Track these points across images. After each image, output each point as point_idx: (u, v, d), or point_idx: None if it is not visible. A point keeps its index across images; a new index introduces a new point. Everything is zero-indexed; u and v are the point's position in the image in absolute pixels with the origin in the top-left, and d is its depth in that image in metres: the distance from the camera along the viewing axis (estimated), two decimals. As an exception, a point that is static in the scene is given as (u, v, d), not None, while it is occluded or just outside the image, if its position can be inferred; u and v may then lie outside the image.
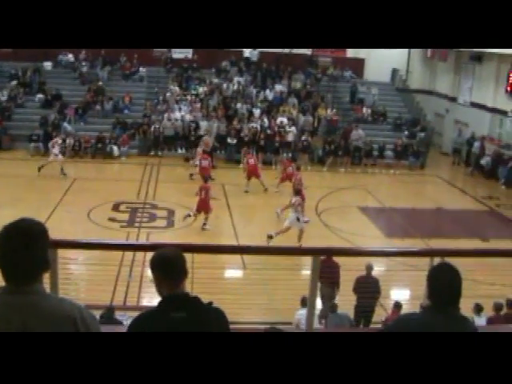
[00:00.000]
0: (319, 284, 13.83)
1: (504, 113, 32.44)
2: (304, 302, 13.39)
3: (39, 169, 27.34)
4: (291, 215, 21.18)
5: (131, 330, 3.80)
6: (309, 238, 20.40)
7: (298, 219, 21.00)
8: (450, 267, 4.43)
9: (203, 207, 22.27)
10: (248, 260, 17.23)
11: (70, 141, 31.64)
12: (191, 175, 28.41)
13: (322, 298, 14.46)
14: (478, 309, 14.21)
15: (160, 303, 3.85)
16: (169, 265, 3.92)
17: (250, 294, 13.59)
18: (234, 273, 18.54)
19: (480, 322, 13.56)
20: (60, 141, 29.14)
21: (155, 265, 3.95)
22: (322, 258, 14.01)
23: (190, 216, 22.26)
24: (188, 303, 3.83)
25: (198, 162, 27.93)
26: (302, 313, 12.86)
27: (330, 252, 6.81)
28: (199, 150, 29.38)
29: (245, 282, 16.87)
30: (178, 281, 3.89)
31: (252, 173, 27.47)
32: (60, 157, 28.28)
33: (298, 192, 21.82)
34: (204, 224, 22.30)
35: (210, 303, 3.98)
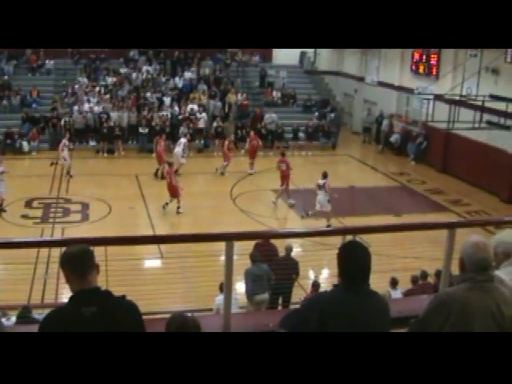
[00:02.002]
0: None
1: (410, 91, 33.16)
2: (222, 288, 13.47)
3: (51, 164, 27.95)
4: (321, 198, 22.22)
5: (42, 328, 3.79)
6: (224, 224, 20.53)
7: (329, 201, 22.17)
8: (358, 244, 4.52)
9: (171, 191, 22.67)
10: (166, 249, 17.21)
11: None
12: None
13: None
14: (394, 282, 14.62)
15: (70, 299, 3.85)
16: (74, 261, 3.91)
17: (170, 283, 13.59)
18: (152, 263, 18.51)
19: (396, 295, 13.97)
20: (67, 142, 28.53)
21: (62, 262, 3.94)
22: (258, 241, 14.27)
23: (167, 204, 23.02)
24: (98, 298, 3.84)
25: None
26: (222, 298, 12.96)
27: (244, 236, 6.88)
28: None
29: (164, 271, 16.83)
30: (86, 276, 3.88)
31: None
32: (68, 161, 27.84)
33: (325, 175, 22.50)
34: (178, 208, 22.88)
35: (123, 296, 4.00)
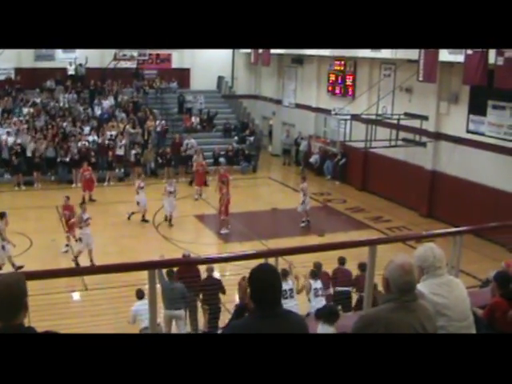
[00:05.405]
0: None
1: (327, 111, 33.63)
2: (139, 295, 13.79)
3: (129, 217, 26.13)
4: (307, 199, 25.51)
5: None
6: (147, 252, 20.32)
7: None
8: (268, 267, 4.52)
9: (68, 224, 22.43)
10: (90, 281, 16.96)
11: None
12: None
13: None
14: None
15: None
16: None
17: (96, 315, 13.40)
18: (76, 295, 18.22)
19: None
20: (142, 184, 26.56)
21: None
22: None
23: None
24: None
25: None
26: (138, 305, 13.38)
27: (167, 264, 6.87)
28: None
29: (89, 303, 16.58)
30: (9, 314, 3.78)
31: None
32: (142, 205, 25.92)
33: (304, 179, 26.07)
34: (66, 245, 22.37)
35: (46, 332, 3.93)
